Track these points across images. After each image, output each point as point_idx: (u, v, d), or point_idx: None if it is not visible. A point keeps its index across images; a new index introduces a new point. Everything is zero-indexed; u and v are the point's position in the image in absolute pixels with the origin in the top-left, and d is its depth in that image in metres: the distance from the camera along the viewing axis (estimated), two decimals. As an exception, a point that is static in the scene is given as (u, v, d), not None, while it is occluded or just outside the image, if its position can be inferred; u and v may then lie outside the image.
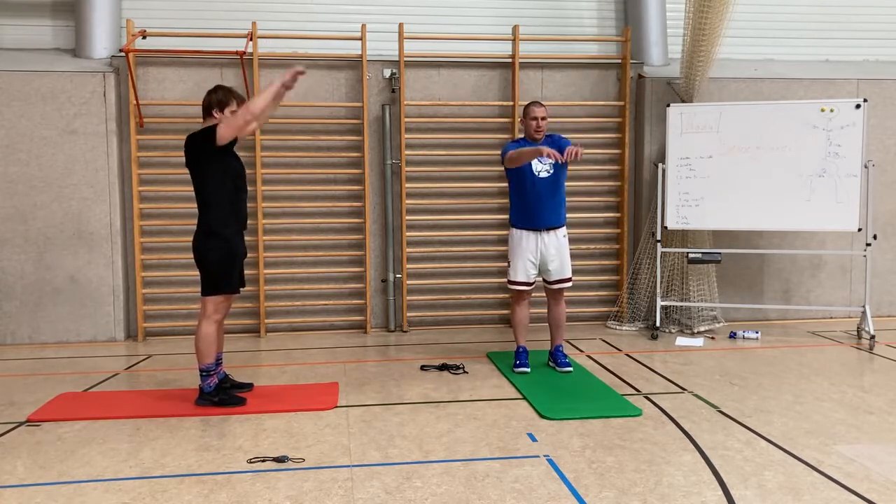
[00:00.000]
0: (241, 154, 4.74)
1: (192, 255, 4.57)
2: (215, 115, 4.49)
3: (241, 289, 4.75)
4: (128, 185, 6.61)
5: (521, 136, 5.50)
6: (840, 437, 4.02)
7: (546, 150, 4.82)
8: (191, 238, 4.56)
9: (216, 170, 4.47)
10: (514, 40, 6.91)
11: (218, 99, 4.51)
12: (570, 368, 5.37)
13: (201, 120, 4.58)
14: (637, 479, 3.47)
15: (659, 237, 6.76)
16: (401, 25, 6.71)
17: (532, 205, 5.26)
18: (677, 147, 6.62)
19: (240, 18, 6.69)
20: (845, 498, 3.26)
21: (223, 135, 4.35)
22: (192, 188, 4.55)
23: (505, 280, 5.68)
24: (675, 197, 6.64)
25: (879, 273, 7.29)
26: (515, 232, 5.37)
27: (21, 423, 4.33)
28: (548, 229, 5.29)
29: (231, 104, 4.50)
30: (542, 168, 5.24)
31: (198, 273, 4.58)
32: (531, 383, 5.06)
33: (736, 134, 6.47)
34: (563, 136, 5.46)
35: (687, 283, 6.88)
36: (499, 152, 5.65)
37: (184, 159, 4.54)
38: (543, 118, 5.27)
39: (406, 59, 6.75)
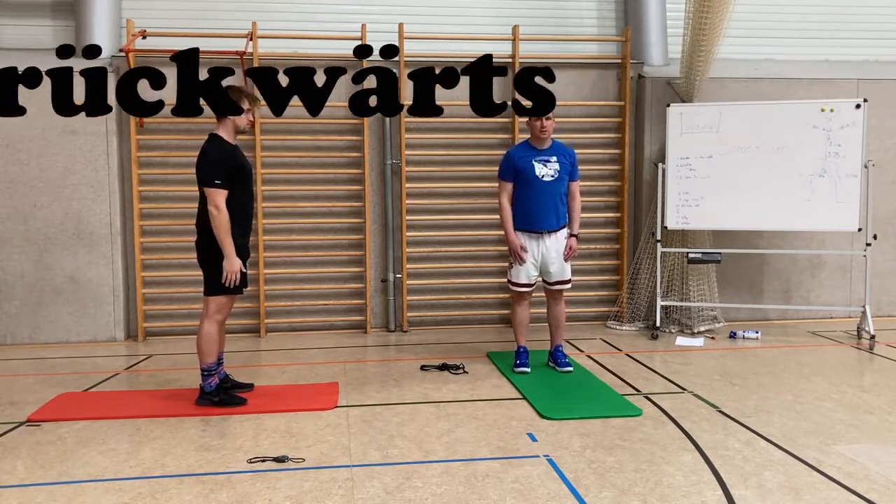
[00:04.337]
0: (240, 154, 4.75)
1: (192, 255, 4.57)
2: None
3: (244, 290, 4.75)
4: (128, 185, 6.61)
5: (527, 137, 5.45)
6: (840, 437, 4.03)
7: (519, 254, 5.25)
8: (190, 238, 4.56)
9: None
10: (514, 40, 6.91)
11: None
12: (571, 368, 5.37)
13: (215, 121, 4.60)
14: (637, 479, 3.48)
15: (659, 237, 6.76)
16: (401, 25, 6.70)
17: (535, 208, 5.24)
18: (677, 147, 6.62)
19: (240, 18, 6.68)
20: (845, 498, 3.26)
21: (211, 200, 4.36)
22: (193, 188, 4.55)
23: (505, 280, 5.68)
24: (675, 197, 6.64)
25: (879, 273, 7.29)
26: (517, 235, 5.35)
27: (21, 423, 4.33)
28: (549, 232, 5.30)
29: (243, 102, 4.53)
30: (546, 172, 5.23)
31: (198, 273, 4.58)
32: (531, 383, 5.06)
33: (736, 134, 6.47)
34: (565, 142, 5.46)
35: (687, 283, 6.88)
36: (499, 153, 5.64)
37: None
38: (548, 118, 5.24)
39: (406, 59, 6.75)
